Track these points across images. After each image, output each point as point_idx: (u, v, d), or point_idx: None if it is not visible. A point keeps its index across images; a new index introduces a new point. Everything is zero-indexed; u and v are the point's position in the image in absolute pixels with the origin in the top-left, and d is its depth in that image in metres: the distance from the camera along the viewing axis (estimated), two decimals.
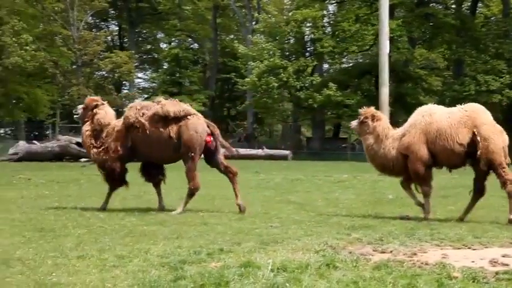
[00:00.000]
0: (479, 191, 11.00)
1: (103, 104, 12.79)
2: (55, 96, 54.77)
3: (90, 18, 61.38)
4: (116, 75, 52.86)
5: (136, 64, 59.63)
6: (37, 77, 52.28)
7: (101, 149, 12.32)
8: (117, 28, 74.91)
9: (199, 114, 12.33)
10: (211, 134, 12.04)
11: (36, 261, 6.88)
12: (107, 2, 53.88)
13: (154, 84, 71.55)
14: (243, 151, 43.68)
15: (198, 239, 8.34)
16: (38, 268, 6.55)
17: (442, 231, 9.04)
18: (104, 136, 12.37)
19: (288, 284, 5.77)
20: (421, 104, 48.30)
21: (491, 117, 10.91)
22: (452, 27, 49.73)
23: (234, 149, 12.84)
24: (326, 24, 56.05)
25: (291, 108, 60.51)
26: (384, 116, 11.78)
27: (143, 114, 12.08)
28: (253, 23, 60.24)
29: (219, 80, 68.37)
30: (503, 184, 10.58)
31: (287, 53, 54.00)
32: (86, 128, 12.56)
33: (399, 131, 11.33)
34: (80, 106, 12.96)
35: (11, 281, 6.03)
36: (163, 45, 75.36)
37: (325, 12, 55.52)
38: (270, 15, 54.12)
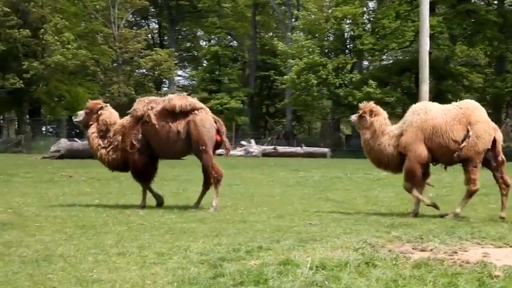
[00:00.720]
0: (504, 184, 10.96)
1: (106, 105, 12.87)
2: (96, 94, 55.31)
3: (131, 16, 61.89)
4: (156, 73, 53.18)
5: (175, 62, 59.99)
6: (78, 75, 52.84)
7: (109, 148, 12.39)
8: (157, 26, 75.39)
9: (207, 109, 12.34)
10: (218, 130, 12.06)
11: (77, 257, 6.94)
12: (147, 0, 54.25)
13: (193, 81, 71.90)
14: (281, 149, 43.90)
15: (237, 236, 8.35)
16: (79, 265, 6.61)
17: (483, 229, 8.94)
18: (112, 135, 12.41)
19: (327, 282, 5.75)
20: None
21: (486, 115, 10.94)
22: (494, 24, 49.15)
23: (230, 152, 12.77)
24: (366, 21, 55.84)
25: (330, 106, 60.36)
26: (382, 112, 11.77)
27: (152, 108, 12.14)
28: (293, 20, 60.22)
29: (258, 77, 68.44)
30: (468, 181, 10.70)
31: (326, 50, 53.89)
32: (92, 130, 12.57)
33: (395, 128, 11.39)
34: (81, 112, 13.01)
35: (53, 277, 6.09)
36: (202, 43, 75.74)
37: (365, 9, 55.32)
38: (309, 13, 53.98)
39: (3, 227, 9.23)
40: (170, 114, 11.98)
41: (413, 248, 7.45)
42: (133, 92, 49.80)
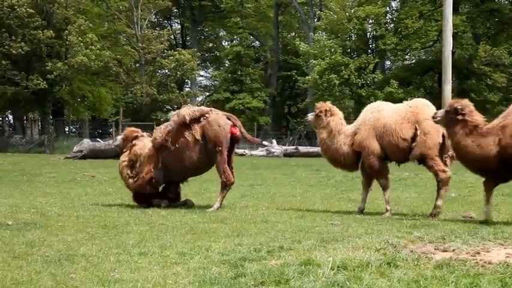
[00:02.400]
0: None
1: (142, 135, 13.04)
2: (118, 94, 55.53)
3: (154, 16, 62.05)
4: (179, 73, 53.25)
5: (198, 62, 60.08)
6: (101, 76, 53.07)
7: (136, 179, 12.56)
8: (179, 26, 75.53)
9: (217, 110, 12.47)
10: (234, 125, 12.12)
11: (99, 257, 6.99)
12: (170, 1, 54.37)
13: (215, 82, 72.00)
14: (303, 149, 43.77)
15: (259, 236, 8.35)
16: (101, 264, 6.65)
17: (505, 230, 8.87)
18: (138, 165, 12.60)
19: (348, 283, 5.74)
20: (486, 101, 47.21)
21: None
22: None
23: (258, 139, 12.86)
24: (389, 20, 55.61)
25: (352, 106, 60.17)
26: (338, 112, 12.09)
27: (169, 132, 12.29)
28: (315, 20, 60.06)
29: (280, 77, 68.39)
30: (436, 174, 10.95)
31: (349, 50, 53.75)
32: (123, 158, 12.80)
33: (350, 127, 11.71)
34: (120, 137, 13.22)
35: (75, 276, 6.13)
36: (225, 43, 75.77)
37: (388, 8, 55.09)
38: (331, 12, 53.82)
39: (26, 227, 9.31)
40: (184, 128, 12.13)
41: (435, 249, 7.41)
42: (155, 93, 49.95)
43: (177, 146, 12.15)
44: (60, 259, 6.88)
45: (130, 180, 12.59)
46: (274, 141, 44.89)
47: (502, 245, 7.76)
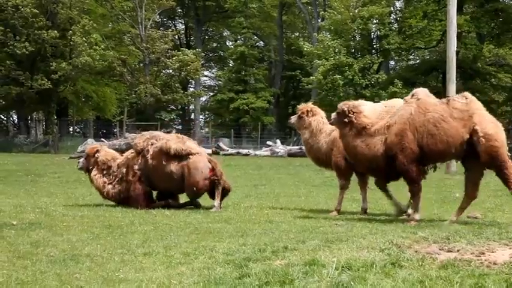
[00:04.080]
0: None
1: (102, 147, 13.41)
2: (123, 94, 55.52)
3: (158, 17, 62.03)
4: (183, 73, 53.20)
5: (202, 62, 60.03)
6: (105, 76, 53.10)
7: (115, 182, 12.74)
8: (183, 27, 75.54)
9: (203, 152, 12.66)
10: (213, 169, 12.18)
11: (104, 257, 6.99)
12: (174, 1, 54.36)
13: (219, 82, 72.00)
14: None
15: (263, 236, 8.35)
16: (105, 264, 6.66)
17: (510, 230, 8.85)
18: (116, 168, 12.80)
19: (352, 283, 5.73)
20: (491, 101, 46.91)
21: None
22: None
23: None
24: (393, 20, 55.52)
25: None
26: (320, 111, 12.19)
27: (152, 143, 12.50)
28: (319, 20, 60.02)
29: (284, 77, 68.39)
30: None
31: (353, 50, 53.68)
32: (94, 173, 12.95)
33: (332, 126, 11.61)
34: (82, 159, 13.38)
35: (80, 276, 6.14)
36: (229, 43, 75.78)
37: (392, 8, 55.01)
38: (336, 12, 53.75)
39: (31, 227, 9.33)
40: (165, 153, 12.26)
41: (439, 249, 7.39)
42: (160, 93, 49.93)
43: (152, 163, 12.34)
44: (64, 259, 6.89)
45: (109, 186, 12.77)
46: (278, 141, 44.88)
47: (506, 245, 7.73)
